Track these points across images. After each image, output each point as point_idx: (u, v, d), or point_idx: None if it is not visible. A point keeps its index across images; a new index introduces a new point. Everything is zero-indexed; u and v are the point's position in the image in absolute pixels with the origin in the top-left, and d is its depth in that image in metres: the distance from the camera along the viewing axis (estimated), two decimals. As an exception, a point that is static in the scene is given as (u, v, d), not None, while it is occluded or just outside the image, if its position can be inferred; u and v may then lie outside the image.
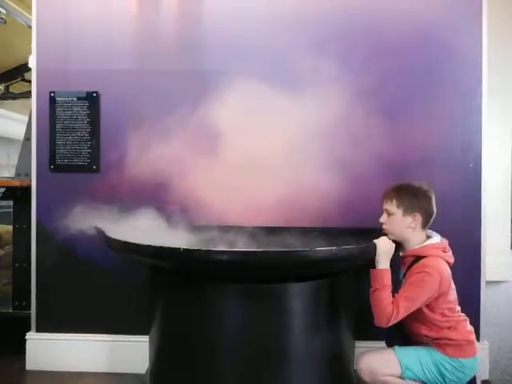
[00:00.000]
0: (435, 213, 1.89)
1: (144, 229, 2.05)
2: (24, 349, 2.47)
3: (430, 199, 1.86)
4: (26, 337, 2.48)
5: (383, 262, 1.79)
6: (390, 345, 1.97)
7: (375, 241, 1.81)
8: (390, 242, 1.83)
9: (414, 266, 1.81)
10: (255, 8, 2.38)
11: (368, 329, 2.15)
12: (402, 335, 1.93)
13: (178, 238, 2.11)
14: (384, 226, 1.90)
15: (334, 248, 1.62)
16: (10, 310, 2.68)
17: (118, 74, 2.43)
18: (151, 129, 2.37)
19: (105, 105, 2.44)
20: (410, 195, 1.85)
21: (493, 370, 2.43)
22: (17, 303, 2.67)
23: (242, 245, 2.14)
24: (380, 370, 1.81)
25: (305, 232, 2.24)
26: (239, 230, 2.28)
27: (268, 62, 2.34)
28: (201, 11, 2.42)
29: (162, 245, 1.66)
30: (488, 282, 2.46)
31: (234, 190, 2.32)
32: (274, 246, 2.16)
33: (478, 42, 2.34)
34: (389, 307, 1.73)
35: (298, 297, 1.75)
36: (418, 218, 1.84)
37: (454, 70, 2.34)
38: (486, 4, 2.34)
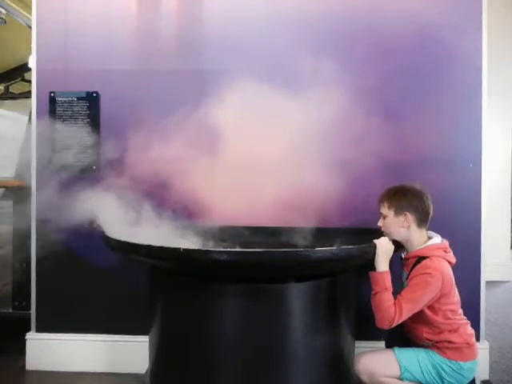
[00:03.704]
0: (431, 212, 1.89)
1: (144, 229, 2.05)
2: (24, 349, 2.47)
3: (420, 198, 1.86)
4: (26, 337, 2.48)
5: (383, 263, 1.79)
6: (389, 346, 1.97)
7: (375, 241, 1.81)
8: (390, 242, 1.83)
9: (415, 268, 1.81)
10: (255, 8, 2.38)
11: (368, 329, 2.15)
12: (402, 337, 1.93)
13: (177, 238, 2.11)
14: (382, 229, 1.92)
15: (334, 248, 1.62)
16: (10, 310, 2.68)
17: (117, 74, 2.43)
18: (151, 129, 2.37)
19: (105, 105, 2.44)
20: (399, 195, 1.88)
21: (493, 370, 2.43)
22: (17, 303, 2.68)
23: (241, 245, 2.14)
24: (379, 371, 1.81)
25: (305, 232, 2.24)
26: (239, 229, 2.28)
27: (268, 62, 2.35)
28: (201, 11, 2.42)
29: (162, 245, 1.66)
30: (488, 282, 2.46)
31: (234, 190, 2.31)
32: (273, 246, 2.16)
33: (477, 42, 2.34)
34: (391, 309, 1.73)
35: (298, 297, 1.75)
36: (409, 216, 1.85)
37: (453, 69, 2.34)
38: (485, 4, 2.34)
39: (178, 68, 2.41)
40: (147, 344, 2.01)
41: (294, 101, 2.29)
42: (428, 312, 1.80)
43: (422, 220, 1.87)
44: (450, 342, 1.81)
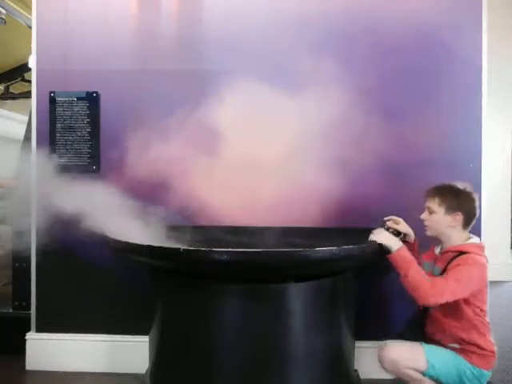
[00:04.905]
0: (477, 215, 1.89)
1: (144, 229, 2.05)
2: (24, 349, 2.47)
3: (472, 200, 1.86)
4: (26, 337, 2.48)
5: (392, 241, 1.79)
6: (408, 338, 1.93)
7: (372, 237, 1.82)
8: (382, 229, 1.85)
9: (455, 260, 1.81)
10: (255, 8, 2.38)
11: (368, 329, 2.16)
12: (422, 333, 1.91)
13: (177, 238, 2.11)
14: (425, 223, 1.91)
15: (334, 248, 1.62)
16: (10, 310, 2.68)
17: (117, 74, 2.43)
18: (151, 129, 2.37)
19: (105, 105, 2.44)
20: (452, 195, 1.86)
21: (493, 370, 2.42)
22: (17, 303, 2.67)
23: (241, 245, 2.14)
24: (404, 362, 1.80)
25: (305, 232, 2.24)
26: (239, 230, 2.28)
27: (268, 62, 2.34)
28: (201, 11, 2.42)
29: (162, 245, 1.66)
30: (488, 282, 2.46)
31: (234, 190, 2.32)
32: (273, 246, 2.16)
33: (477, 42, 2.34)
34: (427, 280, 1.71)
35: (298, 297, 1.76)
36: (459, 217, 1.84)
37: (453, 69, 2.34)
38: (485, 4, 2.34)
39: (178, 68, 2.41)
40: (147, 344, 2.01)
41: (294, 101, 2.29)
42: (461, 301, 1.78)
43: (469, 222, 1.87)
44: (478, 346, 1.80)
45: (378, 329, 2.29)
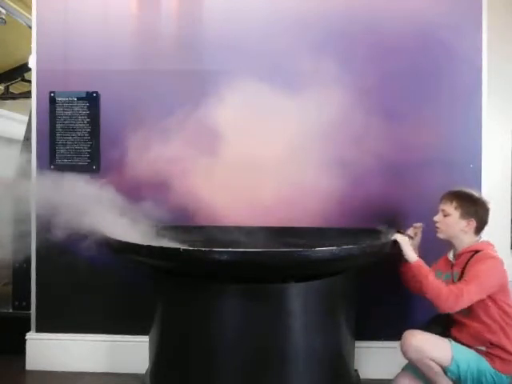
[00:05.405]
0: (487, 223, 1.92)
1: (143, 229, 2.05)
2: (24, 349, 2.47)
3: (487, 210, 1.91)
4: (26, 337, 2.48)
5: (412, 251, 1.85)
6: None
7: (396, 238, 1.84)
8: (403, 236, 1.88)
9: (472, 259, 1.83)
10: (255, 8, 2.38)
11: (368, 329, 2.16)
12: (448, 334, 1.90)
13: (177, 238, 2.11)
14: (438, 225, 1.93)
15: (334, 248, 1.62)
16: (10, 310, 2.68)
17: (117, 74, 2.43)
18: (151, 129, 2.37)
19: (105, 105, 2.44)
20: (470, 201, 1.90)
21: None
22: (17, 303, 2.67)
23: (241, 245, 2.14)
24: (430, 353, 1.79)
25: (305, 232, 2.24)
26: (239, 230, 2.28)
27: (268, 62, 2.34)
28: (201, 11, 2.42)
29: (162, 245, 1.66)
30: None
31: (234, 190, 2.32)
32: (273, 246, 2.16)
33: (477, 42, 2.34)
34: (445, 287, 1.75)
35: (298, 297, 1.75)
36: (473, 223, 1.88)
37: (453, 70, 2.35)
38: (485, 4, 2.34)
39: (178, 68, 2.41)
40: (147, 344, 2.01)
41: (294, 101, 2.29)
42: (488, 301, 1.79)
43: (480, 229, 1.91)
44: (504, 349, 1.79)
45: (378, 329, 2.29)
